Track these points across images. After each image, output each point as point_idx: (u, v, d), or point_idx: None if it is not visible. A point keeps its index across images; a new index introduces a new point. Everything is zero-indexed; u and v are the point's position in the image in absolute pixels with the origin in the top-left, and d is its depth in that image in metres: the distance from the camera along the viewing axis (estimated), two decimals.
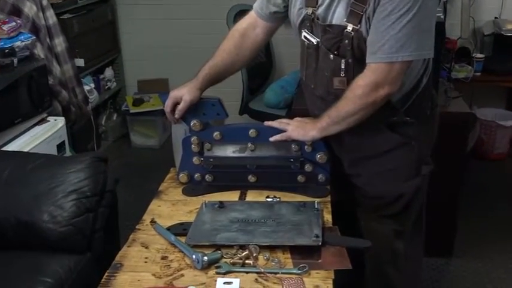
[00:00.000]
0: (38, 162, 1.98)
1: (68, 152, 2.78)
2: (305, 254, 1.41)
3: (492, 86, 3.73)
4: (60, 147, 2.69)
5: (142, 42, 4.27)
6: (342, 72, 1.59)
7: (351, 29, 1.53)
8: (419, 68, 1.64)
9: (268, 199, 1.70)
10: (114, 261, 1.43)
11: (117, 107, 4.31)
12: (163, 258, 1.44)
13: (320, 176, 1.75)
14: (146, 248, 1.49)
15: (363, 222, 1.81)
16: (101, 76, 4.04)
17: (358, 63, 1.56)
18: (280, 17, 1.76)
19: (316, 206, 1.61)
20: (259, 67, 3.68)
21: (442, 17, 2.64)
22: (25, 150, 2.39)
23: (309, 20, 1.63)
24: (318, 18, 1.60)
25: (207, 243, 1.45)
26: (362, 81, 1.54)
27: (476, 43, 3.78)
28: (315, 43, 1.63)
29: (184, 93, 1.74)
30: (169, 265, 1.40)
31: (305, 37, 1.66)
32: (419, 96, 1.67)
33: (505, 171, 3.73)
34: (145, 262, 1.42)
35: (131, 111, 4.11)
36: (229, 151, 1.78)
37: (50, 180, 1.89)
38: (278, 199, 1.69)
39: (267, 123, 1.75)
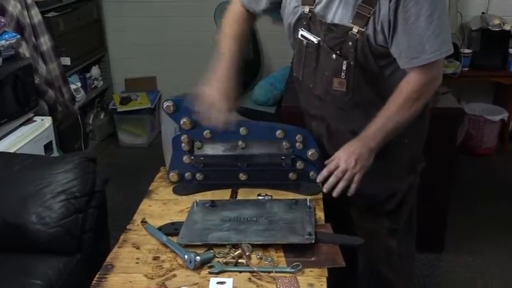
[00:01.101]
0: (26, 163, 1.95)
1: (55, 152, 2.75)
2: (298, 252, 1.40)
3: (480, 81, 3.75)
4: (48, 147, 2.66)
5: (129, 40, 4.23)
6: (343, 74, 1.58)
7: (356, 31, 1.51)
8: None
9: (260, 197, 1.69)
10: (105, 262, 1.41)
11: (104, 106, 4.28)
12: (155, 258, 1.42)
13: (312, 173, 1.74)
14: (137, 248, 1.47)
15: (356, 221, 1.80)
16: (88, 75, 4.01)
17: (359, 67, 1.55)
18: (267, 13, 1.75)
19: (308, 204, 1.60)
20: (247, 64, 3.66)
21: None
22: (12, 151, 2.36)
23: (305, 19, 1.61)
24: (318, 17, 1.58)
25: (199, 243, 1.44)
26: (413, 85, 1.53)
27: (464, 38, 3.79)
28: (316, 42, 1.61)
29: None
30: (161, 265, 1.39)
31: (303, 36, 1.63)
32: None
33: (493, 166, 3.75)
34: (137, 263, 1.40)
35: (118, 109, 4.08)
36: (220, 149, 1.77)
37: (38, 181, 1.87)
38: (270, 197, 1.68)
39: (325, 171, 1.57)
